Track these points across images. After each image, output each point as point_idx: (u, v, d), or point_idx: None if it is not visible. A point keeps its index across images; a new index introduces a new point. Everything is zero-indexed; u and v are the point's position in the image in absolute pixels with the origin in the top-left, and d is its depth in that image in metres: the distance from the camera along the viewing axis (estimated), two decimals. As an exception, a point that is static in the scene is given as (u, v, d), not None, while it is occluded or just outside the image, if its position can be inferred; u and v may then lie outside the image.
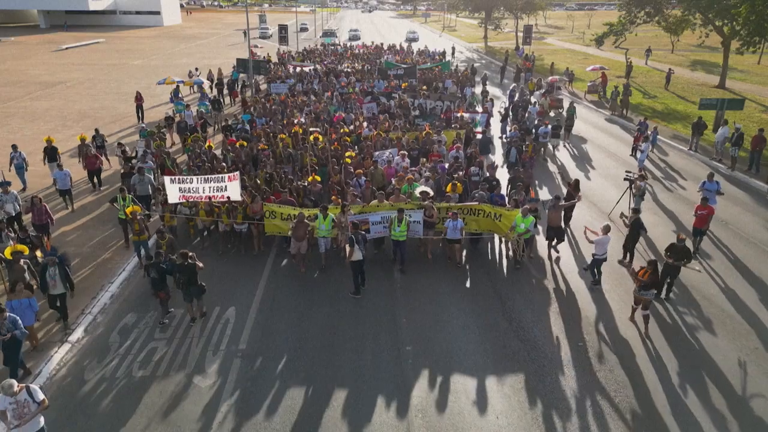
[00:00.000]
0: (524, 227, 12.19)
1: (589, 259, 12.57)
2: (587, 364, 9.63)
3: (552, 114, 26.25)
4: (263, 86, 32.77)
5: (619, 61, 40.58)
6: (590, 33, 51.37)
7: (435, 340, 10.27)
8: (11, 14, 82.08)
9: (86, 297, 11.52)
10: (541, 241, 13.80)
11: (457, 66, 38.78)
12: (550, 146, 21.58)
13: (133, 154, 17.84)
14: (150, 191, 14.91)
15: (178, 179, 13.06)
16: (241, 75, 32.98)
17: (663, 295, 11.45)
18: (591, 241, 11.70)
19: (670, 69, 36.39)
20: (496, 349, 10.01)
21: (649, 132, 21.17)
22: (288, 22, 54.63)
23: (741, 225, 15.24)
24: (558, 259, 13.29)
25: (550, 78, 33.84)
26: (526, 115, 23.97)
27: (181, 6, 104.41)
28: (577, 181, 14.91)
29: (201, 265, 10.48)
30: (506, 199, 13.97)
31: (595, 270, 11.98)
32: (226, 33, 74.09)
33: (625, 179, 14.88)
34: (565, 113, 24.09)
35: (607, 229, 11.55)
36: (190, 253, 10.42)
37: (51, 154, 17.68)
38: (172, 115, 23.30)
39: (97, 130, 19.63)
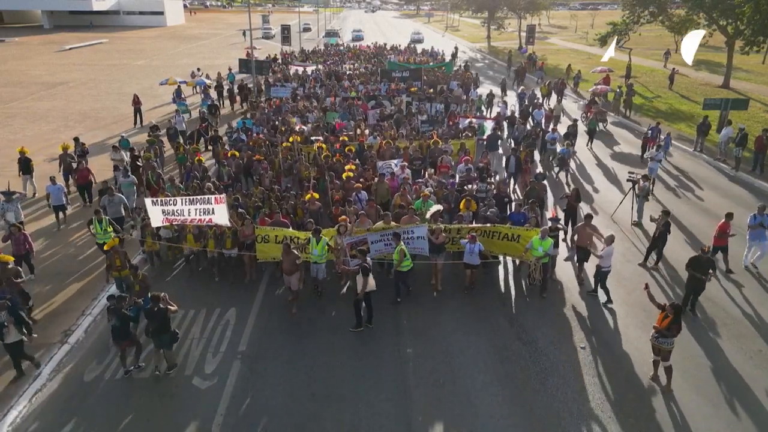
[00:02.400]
0: (542, 250, 11.06)
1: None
2: (589, 367, 9.56)
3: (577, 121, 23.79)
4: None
5: (623, 61, 40.41)
6: (593, 33, 51.16)
7: (435, 341, 10.22)
8: (15, 15, 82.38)
9: (87, 298, 11.54)
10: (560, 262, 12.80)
11: (465, 64, 38.38)
12: (559, 150, 20.10)
13: (139, 154, 17.66)
14: (123, 213, 13.64)
15: (161, 201, 11.84)
16: (241, 76, 32.75)
17: (688, 309, 10.89)
18: (599, 256, 10.98)
19: (674, 69, 36.23)
20: (497, 350, 9.97)
21: (662, 137, 20.27)
22: (291, 22, 54.73)
23: (744, 225, 15.07)
24: (582, 281, 12.26)
25: (599, 88, 29.24)
26: (530, 119, 23.32)
27: (185, 6, 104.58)
28: (576, 191, 14.36)
29: (174, 308, 9.24)
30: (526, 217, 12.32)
31: (600, 283, 11.34)
32: (229, 33, 74.15)
33: (628, 180, 14.78)
34: (588, 124, 22.63)
35: (611, 240, 10.93)
36: (162, 294, 9.05)
37: (25, 165, 16.35)
38: (156, 123, 21.88)
39: (76, 139, 18.32)
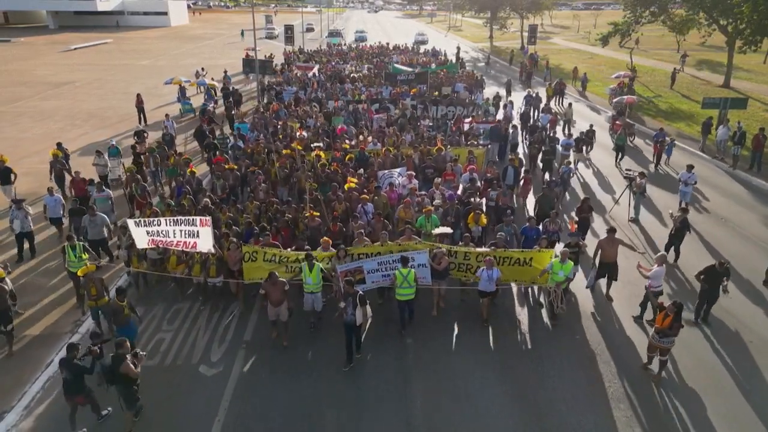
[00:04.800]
0: (563, 275, 10.19)
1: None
2: (585, 359, 9.81)
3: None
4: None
5: (625, 61, 40.63)
6: (596, 33, 51.29)
7: (435, 337, 10.46)
8: (20, 15, 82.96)
9: (95, 290, 11.80)
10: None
11: (463, 61, 38.18)
12: (572, 158, 18.64)
13: (142, 151, 17.85)
14: (105, 234, 12.56)
15: (144, 221, 10.99)
16: (238, 78, 32.55)
17: (699, 318, 10.68)
18: (646, 276, 10.19)
19: (675, 68, 36.42)
20: (496, 346, 10.22)
21: (667, 139, 19.96)
22: (294, 22, 54.91)
23: (741, 223, 15.33)
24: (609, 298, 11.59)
25: (626, 98, 25.87)
26: (533, 123, 22.82)
27: (188, 6, 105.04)
28: (587, 200, 13.61)
29: (136, 372, 7.87)
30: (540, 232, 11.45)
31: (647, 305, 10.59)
32: (232, 33, 74.48)
33: (625, 177, 15.01)
34: (616, 140, 20.66)
35: (662, 260, 10.21)
36: (126, 341, 8.00)
37: (4, 175, 15.26)
38: (143, 129, 20.90)
39: (59, 144, 17.23)
